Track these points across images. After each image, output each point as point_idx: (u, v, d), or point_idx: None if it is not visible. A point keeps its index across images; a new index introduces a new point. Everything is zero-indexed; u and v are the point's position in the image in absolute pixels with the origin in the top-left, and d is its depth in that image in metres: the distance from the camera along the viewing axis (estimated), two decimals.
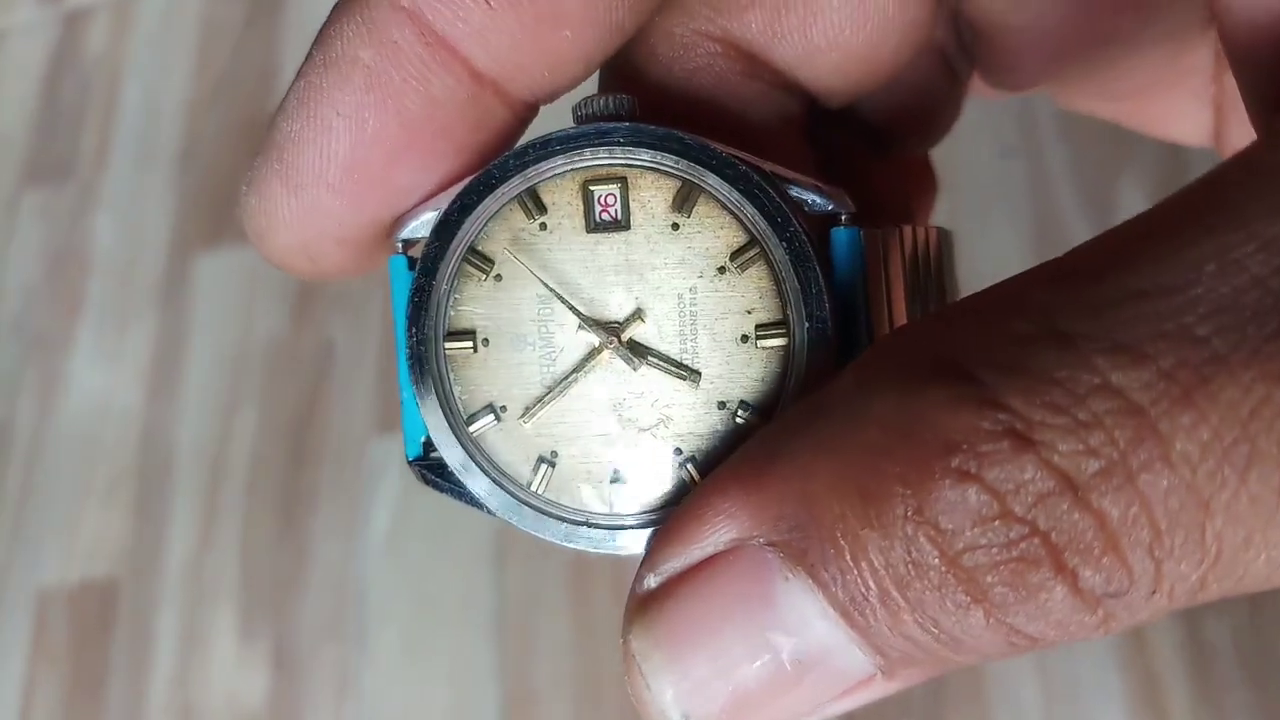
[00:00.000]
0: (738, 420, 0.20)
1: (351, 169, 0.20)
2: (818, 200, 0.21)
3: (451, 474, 0.21)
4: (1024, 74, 0.26)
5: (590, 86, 0.23)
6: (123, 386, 0.83)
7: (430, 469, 0.22)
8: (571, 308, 0.20)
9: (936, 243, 0.24)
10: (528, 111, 0.21)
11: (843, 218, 0.21)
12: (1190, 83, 0.27)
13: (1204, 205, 0.15)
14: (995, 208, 0.74)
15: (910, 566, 0.15)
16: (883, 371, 0.16)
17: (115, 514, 0.79)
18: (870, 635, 0.16)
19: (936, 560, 0.15)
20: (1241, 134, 0.27)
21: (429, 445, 0.22)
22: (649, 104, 0.21)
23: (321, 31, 0.21)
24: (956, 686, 0.63)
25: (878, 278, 0.21)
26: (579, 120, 0.21)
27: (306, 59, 0.21)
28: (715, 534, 0.17)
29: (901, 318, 0.22)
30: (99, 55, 0.97)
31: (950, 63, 0.27)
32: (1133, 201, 0.68)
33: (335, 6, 0.20)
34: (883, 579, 0.15)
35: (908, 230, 0.23)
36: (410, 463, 0.22)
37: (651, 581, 0.18)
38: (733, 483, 0.17)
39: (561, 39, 0.20)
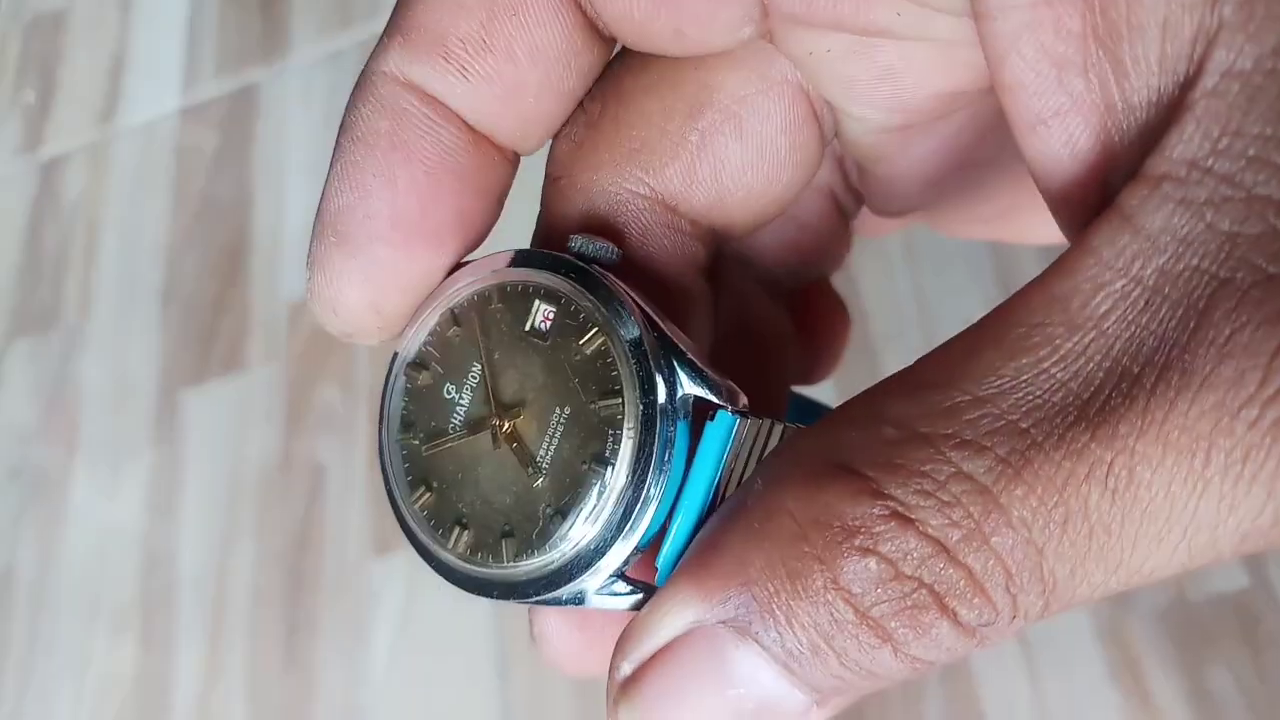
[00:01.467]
0: (549, 516, 0.24)
1: (395, 219, 0.24)
2: (708, 392, 0.24)
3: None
4: (902, 202, 0.30)
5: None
6: (120, 527, 0.84)
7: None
8: (486, 382, 0.25)
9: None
10: (516, 159, 0.26)
11: (729, 408, 0.24)
12: (1039, 197, 0.31)
13: (1019, 322, 0.20)
14: (956, 263, 0.75)
15: (833, 624, 0.20)
16: (786, 474, 0.21)
17: (120, 655, 0.80)
18: (806, 679, 0.20)
19: (852, 616, 0.19)
20: None
21: None
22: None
23: (344, 120, 0.25)
24: None
25: (737, 460, 0.25)
26: (569, 251, 0.25)
27: (336, 148, 0.25)
28: (674, 621, 0.21)
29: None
30: (77, 201, 0.99)
31: (837, 200, 0.31)
32: None
33: (351, 99, 0.24)
34: (813, 636, 0.20)
35: (779, 426, 0.26)
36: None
37: (627, 669, 0.22)
38: (683, 578, 0.21)
39: (527, 104, 0.25)
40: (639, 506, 0.24)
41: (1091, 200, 0.21)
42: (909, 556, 0.19)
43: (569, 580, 0.24)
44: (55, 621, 0.82)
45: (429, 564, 0.25)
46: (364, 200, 0.24)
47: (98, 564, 0.83)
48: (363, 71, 0.24)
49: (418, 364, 0.25)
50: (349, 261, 0.24)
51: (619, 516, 0.24)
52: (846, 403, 0.21)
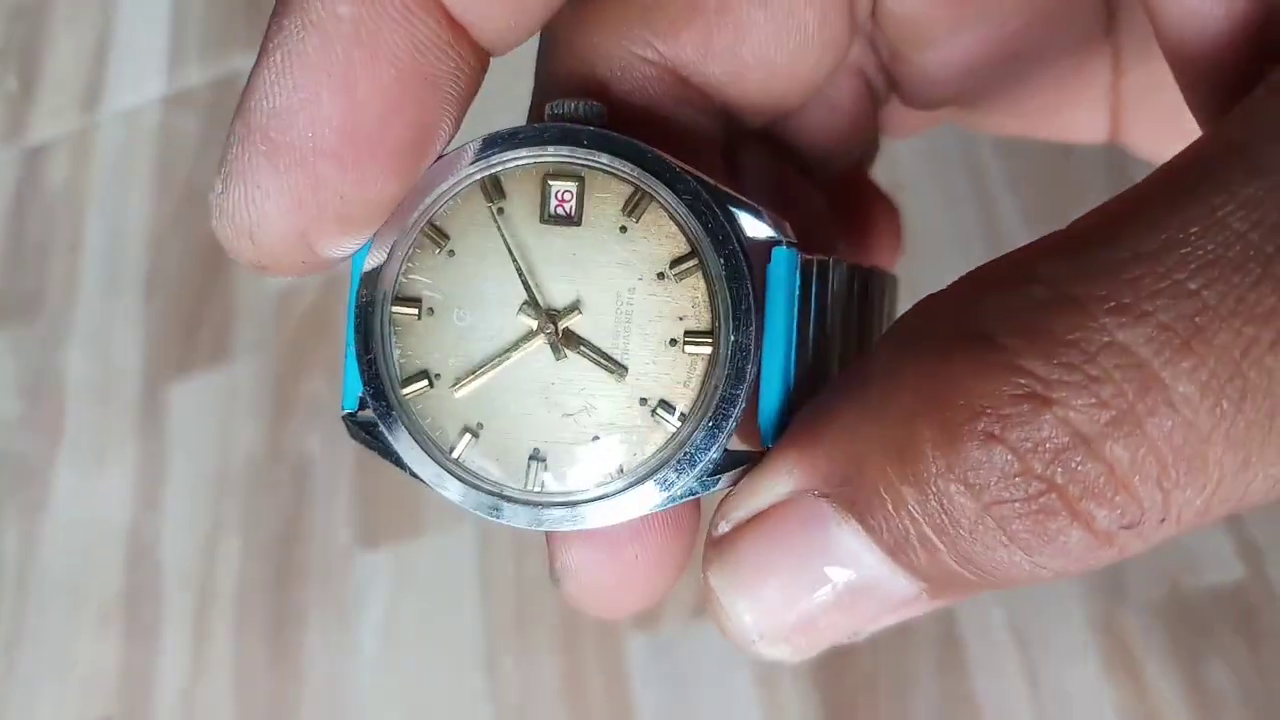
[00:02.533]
0: (656, 417, 0.21)
1: (350, 131, 0.19)
2: (760, 224, 0.22)
3: (379, 431, 0.22)
4: (941, 89, 0.27)
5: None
6: (104, 518, 0.83)
7: (361, 425, 0.23)
8: (529, 288, 0.21)
9: (870, 280, 0.25)
10: (487, 61, 0.22)
11: (784, 243, 0.22)
12: (1090, 91, 0.29)
13: (1188, 174, 0.17)
14: (950, 250, 0.74)
15: (944, 516, 0.17)
16: (913, 339, 0.18)
17: (106, 648, 0.79)
18: (913, 568, 0.18)
19: (968, 510, 0.17)
20: (1140, 131, 0.29)
21: (362, 402, 0.23)
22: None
23: None
24: None
25: (808, 305, 0.22)
26: (551, 119, 0.22)
27: (276, 31, 0.19)
28: (776, 487, 0.19)
29: (822, 344, 0.23)
30: (61, 189, 0.98)
31: (869, 81, 0.28)
32: None
33: None
34: (920, 526, 0.17)
35: (841, 263, 0.23)
36: (344, 416, 0.23)
37: (724, 527, 0.20)
38: (790, 444, 0.19)
39: None
40: (747, 365, 0.21)
41: (1244, 64, 0.18)
42: (1041, 449, 0.16)
43: (692, 466, 0.21)
44: (39, 614, 0.81)
45: (502, 518, 0.21)
46: (311, 103, 0.19)
47: (82, 556, 0.82)
48: None
49: (405, 299, 0.22)
50: (281, 178, 0.20)
51: (730, 381, 0.21)
52: (991, 261, 0.18)
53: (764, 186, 0.26)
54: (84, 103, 1.02)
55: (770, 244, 0.22)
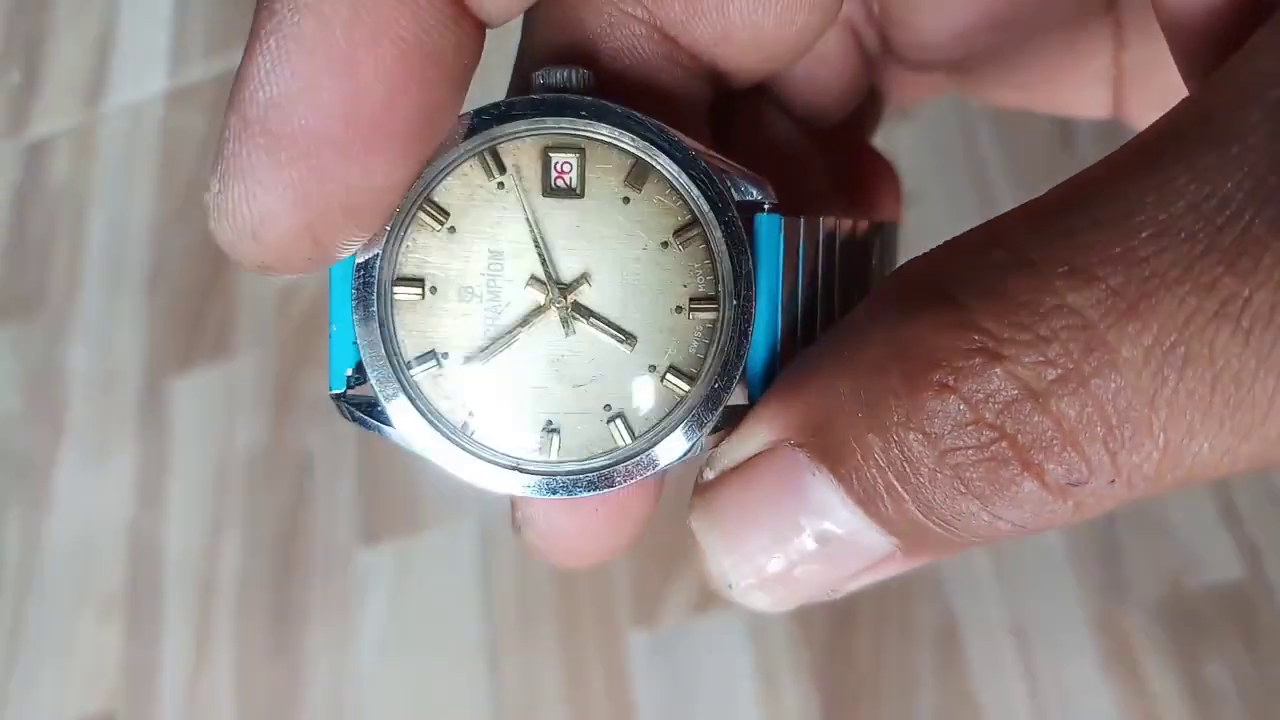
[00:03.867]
0: (665, 383, 0.22)
1: (353, 117, 0.19)
2: (747, 188, 0.22)
3: (378, 411, 0.22)
4: (931, 52, 0.28)
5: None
6: (107, 514, 0.83)
7: (354, 404, 0.22)
8: (544, 261, 0.21)
9: (862, 235, 0.25)
10: (482, 36, 0.21)
11: (766, 206, 0.22)
12: (1090, 64, 0.30)
13: (1155, 144, 0.17)
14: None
15: (905, 464, 0.18)
16: (886, 298, 0.19)
17: (108, 644, 0.79)
18: (883, 520, 0.18)
19: (926, 459, 0.17)
20: (1142, 104, 0.30)
21: (349, 381, 0.23)
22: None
23: None
24: None
25: (793, 264, 0.22)
26: (539, 89, 0.22)
27: (267, 17, 0.19)
28: (757, 436, 0.20)
29: (806, 300, 0.23)
30: (62, 184, 0.98)
31: (858, 34, 0.28)
32: None
33: None
34: (886, 474, 0.18)
35: (828, 220, 0.24)
36: (333, 396, 0.22)
37: (708, 474, 0.21)
38: (772, 396, 0.20)
39: None
40: (749, 327, 0.21)
41: (1235, 33, 0.18)
42: (991, 399, 0.17)
43: (700, 427, 0.21)
44: (41, 609, 0.81)
45: (521, 487, 0.22)
46: (310, 89, 0.18)
47: (84, 551, 0.82)
48: None
49: (406, 279, 0.21)
50: (283, 171, 0.19)
51: (735, 345, 0.21)
52: (971, 229, 0.19)
53: (754, 142, 0.26)
54: (86, 97, 1.02)
55: (753, 207, 0.22)
